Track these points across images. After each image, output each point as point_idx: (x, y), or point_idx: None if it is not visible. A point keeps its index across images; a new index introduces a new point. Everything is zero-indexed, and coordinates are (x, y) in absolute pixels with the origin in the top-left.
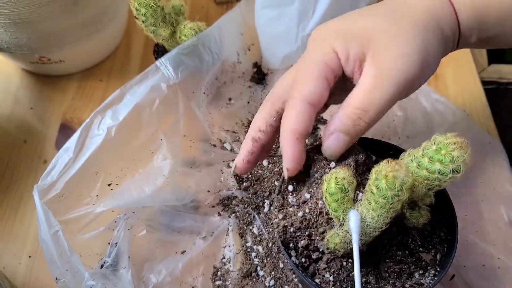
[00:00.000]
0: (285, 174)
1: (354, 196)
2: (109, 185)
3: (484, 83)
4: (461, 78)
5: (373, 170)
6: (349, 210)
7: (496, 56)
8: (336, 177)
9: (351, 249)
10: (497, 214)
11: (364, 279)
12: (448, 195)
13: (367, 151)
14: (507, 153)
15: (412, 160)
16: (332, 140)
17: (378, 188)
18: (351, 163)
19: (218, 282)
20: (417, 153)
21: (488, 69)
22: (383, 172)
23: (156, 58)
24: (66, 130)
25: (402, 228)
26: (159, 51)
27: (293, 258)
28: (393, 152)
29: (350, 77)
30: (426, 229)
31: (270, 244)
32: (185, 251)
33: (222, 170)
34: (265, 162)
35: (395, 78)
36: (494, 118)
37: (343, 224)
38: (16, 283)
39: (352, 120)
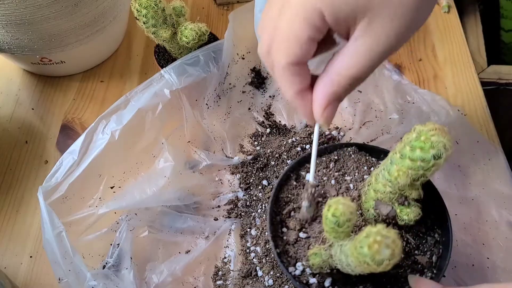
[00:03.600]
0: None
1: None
2: (111, 187)
3: (483, 84)
4: (460, 79)
5: (366, 229)
6: (342, 239)
7: (495, 56)
8: (335, 209)
9: (327, 274)
10: (488, 214)
11: (362, 286)
12: (439, 194)
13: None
14: (506, 154)
15: (396, 153)
16: (330, 110)
17: (361, 248)
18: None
19: (219, 282)
20: (400, 145)
21: (487, 70)
22: (370, 239)
23: (157, 59)
24: (67, 131)
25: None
26: (160, 52)
27: (291, 269)
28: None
29: (333, 36)
30: (420, 231)
31: (268, 245)
32: (187, 251)
33: (225, 173)
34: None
35: (387, 45)
36: (493, 118)
37: (331, 245)
38: (17, 283)
39: (344, 88)
